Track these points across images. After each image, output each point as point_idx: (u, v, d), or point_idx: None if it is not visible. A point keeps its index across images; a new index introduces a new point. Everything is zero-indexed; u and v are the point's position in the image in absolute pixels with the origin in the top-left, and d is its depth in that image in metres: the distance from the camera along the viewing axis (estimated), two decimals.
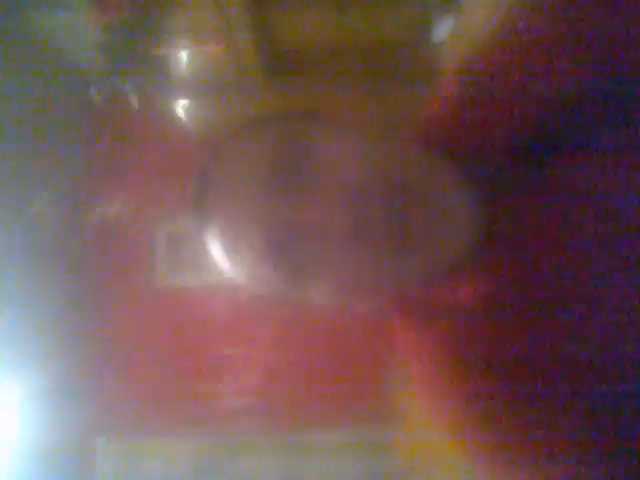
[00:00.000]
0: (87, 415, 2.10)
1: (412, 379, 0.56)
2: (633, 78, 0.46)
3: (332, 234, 0.43)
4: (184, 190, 0.53)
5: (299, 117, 0.51)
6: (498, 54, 0.51)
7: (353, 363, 2.17)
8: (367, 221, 0.43)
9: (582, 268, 0.46)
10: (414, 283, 0.52)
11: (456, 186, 0.46)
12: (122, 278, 2.32)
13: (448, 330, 0.50)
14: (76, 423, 2.04)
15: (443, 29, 2.00)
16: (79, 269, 2.28)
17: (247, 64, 2.00)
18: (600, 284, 0.45)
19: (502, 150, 0.51)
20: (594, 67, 0.46)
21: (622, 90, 0.46)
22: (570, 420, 0.42)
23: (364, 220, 0.42)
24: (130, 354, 2.24)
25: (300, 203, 0.44)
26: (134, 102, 2.03)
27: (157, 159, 2.25)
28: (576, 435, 0.42)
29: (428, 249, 0.45)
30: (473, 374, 0.47)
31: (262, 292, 0.52)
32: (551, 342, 0.45)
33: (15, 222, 1.91)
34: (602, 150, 0.47)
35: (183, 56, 2.03)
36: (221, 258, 0.49)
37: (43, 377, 1.86)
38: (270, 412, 2.17)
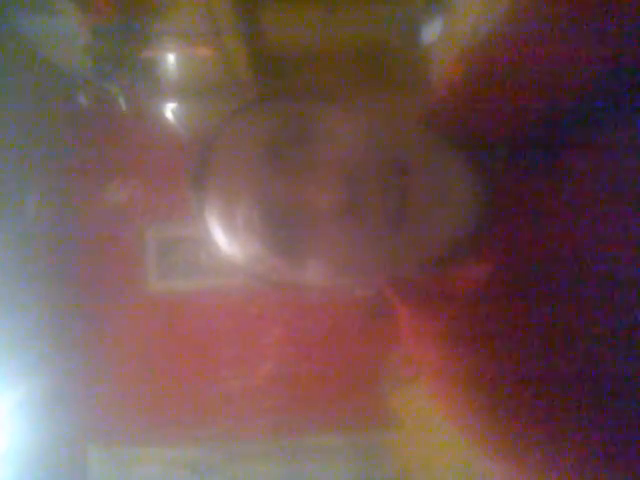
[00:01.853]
0: (79, 422, 2.09)
1: (413, 378, 0.56)
2: (636, 74, 0.46)
3: (330, 213, 0.43)
4: (181, 188, 0.53)
5: (297, 96, 0.51)
6: (501, 45, 0.51)
7: (350, 367, 2.18)
8: (365, 200, 0.43)
9: (585, 252, 0.46)
10: (413, 266, 0.52)
11: (457, 168, 0.46)
12: (114, 283, 2.31)
13: (456, 316, 0.50)
14: (68, 430, 2.03)
15: (432, 29, 2.01)
16: (71, 275, 2.27)
17: (236, 66, 2.00)
18: (602, 273, 0.45)
19: (505, 135, 0.51)
20: (600, 58, 0.46)
21: (628, 81, 0.46)
22: (574, 410, 0.42)
23: (362, 199, 0.42)
24: (123, 360, 2.23)
25: (298, 182, 0.44)
26: (123, 106, 2.02)
27: (146, 163, 2.25)
28: (580, 425, 0.42)
29: (426, 230, 0.45)
30: (480, 361, 0.47)
31: (260, 274, 0.52)
32: (553, 331, 0.45)
33: (5, 228, 1.89)
34: (607, 139, 0.47)
35: (172, 59, 2.02)
36: (220, 240, 0.49)
37: (35, 384, 1.85)
38: (265, 417, 2.16)
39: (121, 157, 2.28)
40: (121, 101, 2.01)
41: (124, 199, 2.21)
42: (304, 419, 2.21)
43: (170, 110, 2.19)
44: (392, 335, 0.59)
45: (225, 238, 0.49)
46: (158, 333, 2.26)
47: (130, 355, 2.23)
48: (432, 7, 1.95)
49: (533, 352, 0.45)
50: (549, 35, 0.48)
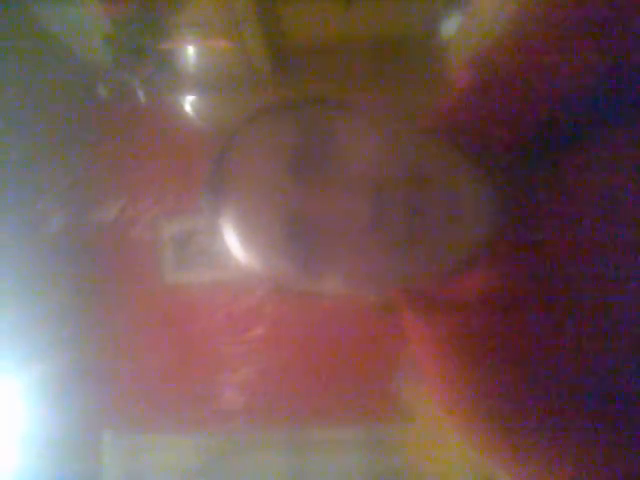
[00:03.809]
0: (93, 408, 2.11)
1: (421, 374, 0.56)
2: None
3: (349, 224, 0.43)
4: (198, 181, 0.52)
5: (318, 104, 0.51)
6: (510, 49, 0.51)
7: (358, 360, 2.18)
8: (384, 212, 0.42)
9: (593, 263, 0.46)
10: (428, 276, 0.52)
11: (472, 181, 0.46)
12: (128, 275, 2.33)
13: (459, 324, 0.50)
14: (82, 416, 2.05)
15: (451, 24, 2.00)
16: (86, 264, 2.29)
17: (255, 58, 2.01)
18: (611, 278, 0.45)
19: (517, 145, 0.50)
20: (606, 62, 0.46)
21: (634, 85, 0.46)
22: (577, 415, 0.43)
23: (381, 210, 0.42)
24: (136, 349, 2.25)
25: (318, 192, 0.44)
26: (142, 97, 2.03)
27: (164, 155, 2.26)
28: (583, 429, 0.42)
29: (443, 242, 0.45)
30: (483, 369, 0.47)
31: (276, 281, 0.52)
32: (560, 337, 0.45)
33: (22, 219, 1.92)
34: (615, 145, 0.47)
35: (191, 51, 2.03)
36: (237, 248, 0.49)
37: (49, 371, 1.87)
38: (275, 409, 2.17)
39: (139, 148, 2.29)
40: (140, 93, 2.02)
41: (141, 190, 2.23)
42: (315, 412, 2.23)
43: (189, 102, 2.20)
44: (403, 333, 0.60)
45: (242, 248, 0.48)
46: (173, 323, 2.28)
47: (145, 344, 2.26)
48: (449, 3, 1.94)
49: (535, 359, 0.45)
50: (556, 38, 0.48)
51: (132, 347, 2.26)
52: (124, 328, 2.25)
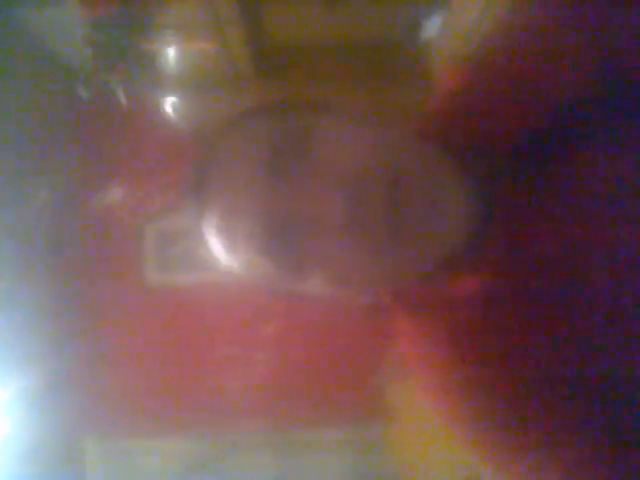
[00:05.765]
0: (77, 414, 2.09)
1: (409, 373, 0.57)
2: (635, 75, 0.46)
3: (330, 224, 0.43)
4: (179, 182, 0.53)
5: (298, 107, 0.51)
6: (497, 51, 0.52)
7: (348, 362, 2.18)
8: (365, 212, 0.43)
9: (580, 262, 0.46)
10: (412, 275, 0.52)
11: (455, 179, 0.46)
12: (114, 276, 2.30)
13: (446, 323, 0.51)
14: (66, 422, 2.03)
15: (433, 26, 2.01)
16: (69, 267, 2.26)
17: (237, 60, 2.00)
18: (599, 278, 0.45)
19: (502, 145, 0.51)
20: (596, 64, 0.47)
21: (625, 87, 0.46)
22: (568, 414, 0.43)
23: (362, 211, 0.43)
24: (121, 353, 2.23)
25: (298, 193, 0.44)
26: (123, 99, 2.01)
27: (146, 156, 2.24)
28: (574, 428, 0.43)
29: (426, 241, 0.45)
30: (472, 367, 0.48)
31: (259, 283, 0.52)
32: (549, 335, 0.45)
33: (6, 222, 1.89)
34: (603, 148, 0.47)
35: (173, 52, 2.02)
36: (219, 249, 0.49)
37: (32, 376, 1.85)
38: (264, 411, 2.17)
39: (121, 150, 2.27)
40: (121, 94, 2.01)
41: (123, 192, 2.21)
42: (300, 414, 2.22)
43: (170, 103, 2.18)
44: (389, 332, 0.60)
45: (224, 250, 0.49)
46: (157, 326, 2.26)
47: (128, 348, 2.23)
48: (433, 3, 1.95)
49: (528, 357, 0.45)
50: (546, 38, 0.48)
51: (117, 351, 2.24)
52: (108, 332, 2.23)
